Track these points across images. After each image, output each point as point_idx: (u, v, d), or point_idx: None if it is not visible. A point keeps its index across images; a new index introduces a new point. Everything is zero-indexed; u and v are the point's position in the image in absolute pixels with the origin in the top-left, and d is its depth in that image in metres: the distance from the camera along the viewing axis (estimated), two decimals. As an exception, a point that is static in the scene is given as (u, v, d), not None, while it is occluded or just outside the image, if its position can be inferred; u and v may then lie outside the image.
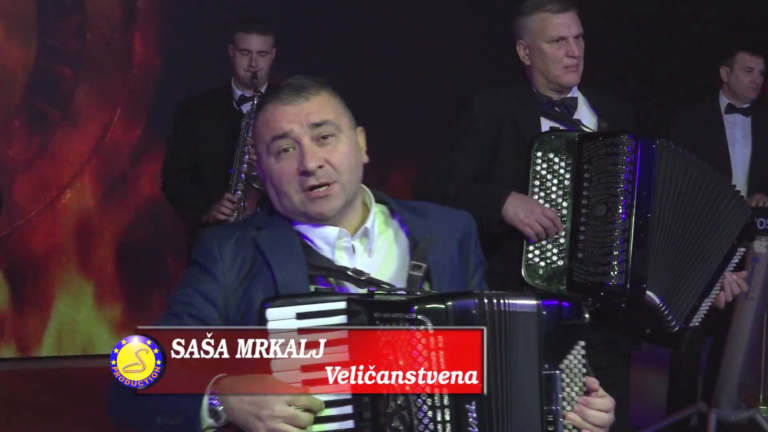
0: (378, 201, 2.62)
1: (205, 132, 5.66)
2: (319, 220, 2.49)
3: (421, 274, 2.49)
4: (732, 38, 7.52)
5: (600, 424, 2.38)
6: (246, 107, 5.63)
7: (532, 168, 3.81)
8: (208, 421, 2.27)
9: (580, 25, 4.00)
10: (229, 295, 2.46)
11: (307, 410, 2.25)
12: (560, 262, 3.77)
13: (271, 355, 2.26)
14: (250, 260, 2.47)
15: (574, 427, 2.37)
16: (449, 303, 2.25)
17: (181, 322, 2.44)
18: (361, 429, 2.26)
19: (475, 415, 2.23)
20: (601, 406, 2.38)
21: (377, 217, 2.58)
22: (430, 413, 2.21)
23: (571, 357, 2.36)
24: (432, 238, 2.53)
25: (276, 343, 2.26)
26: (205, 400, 2.27)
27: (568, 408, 2.35)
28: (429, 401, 2.21)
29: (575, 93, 4.02)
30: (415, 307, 2.22)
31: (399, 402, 2.22)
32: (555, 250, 3.78)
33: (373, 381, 2.25)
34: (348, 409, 2.28)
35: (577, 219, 3.75)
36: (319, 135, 2.45)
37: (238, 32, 5.73)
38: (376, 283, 2.44)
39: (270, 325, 2.27)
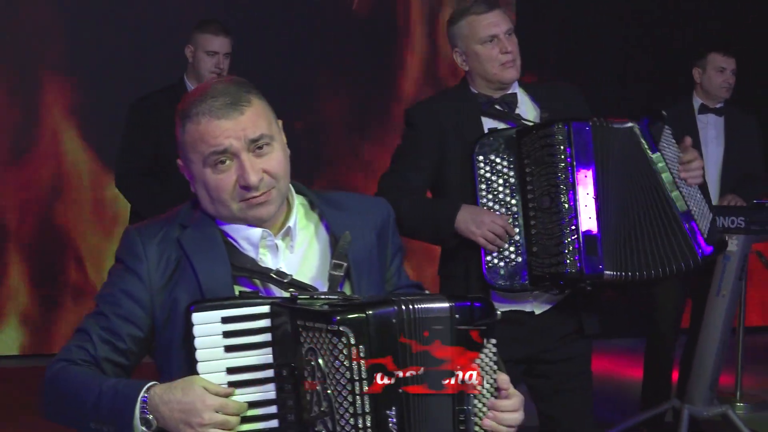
0: (298, 193, 2.65)
1: (167, 130, 5.65)
2: (255, 224, 2.52)
3: (342, 273, 2.53)
4: (704, 38, 7.60)
5: (512, 424, 2.42)
6: None
7: (477, 172, 3.87)
8: (140, 429, 2.32)
9: (509, 21, 4.07)
10: (156, 294, 2.48)
11: (236, 415, 2.31)
12: (519, 259, 3.84)
13: (198, 358, 2.31)
14: (174, 260, 2.49)
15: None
16: (369, 312, 2.28)
17: (108, 322, 2.48)
18: (287, 429, 2.31)
19: (395, 420, 2.28)
20: (510, 408, 2.42)
21: (298, 210, 2.61)
22: (351, 420, 2.25)
23: (482, 356, 2.38)
24: (351, 234, 2.57)
25: (202, 346, 2.32)
26: (137, 410, 2.32)
27: (480, 405, 2.39)
28: (351, 409, 2.25)
29: (515, 89, 4.07)
30: (337, 318, 2.25)
31: (322, 408, 2.27)
32: (512, 248, 3.85)
33: (297, 385, 2.30)
34: (273, 409, 2.33)
35: (527, 214, 3.83)
36: (256, 147, 2.48)
37: (204, 34, 5.77)
38: (298, 285, 2.48)
39: (196, 330, 2.31)
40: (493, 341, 2.40)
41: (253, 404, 2.32)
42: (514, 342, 3.92)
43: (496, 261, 3.86)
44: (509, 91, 4.06)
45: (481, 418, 2.39)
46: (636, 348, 6.62)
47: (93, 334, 2.49)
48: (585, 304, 4.00)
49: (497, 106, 4.01)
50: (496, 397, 2.41)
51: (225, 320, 2.33)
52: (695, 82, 6.27)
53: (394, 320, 2.31)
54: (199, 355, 2.32)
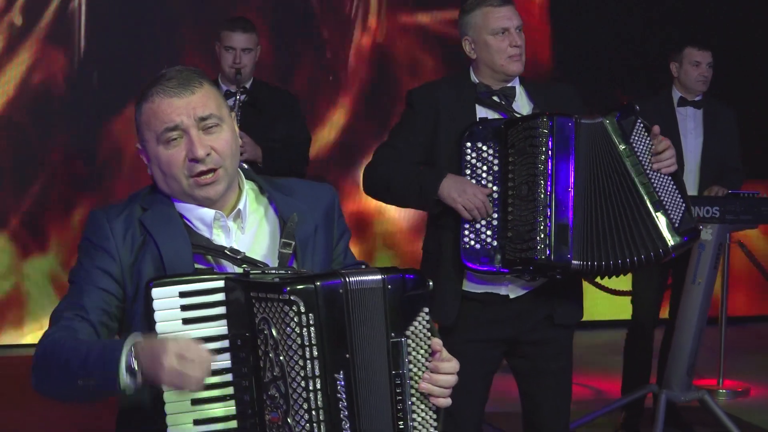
0: (248, 178, 2.78)
1: None
2: (204, 203, 2.65)
3: (290, 252, 2.65)
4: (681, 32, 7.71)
5: (447, 386, 2.55)
6: (229, 102, 5.77)
7: (464, 158, 4.00)
8: (125, 379, 2.38)
9: (520, 17, 4.19)
10: (125, 269, 2.60)
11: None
12: (494, 243, 3.96)
13: (158, 330, 2.42)
14: (139, 237, 2.61)
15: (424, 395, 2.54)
16: (318, 283, 2.41)
17: (89, 294, 2.58)
18: (242, 396, 2.43)
19: (343, 382, 2.41)
20: (447, 370, 2.55)
21: (248, 194, 2.74)
22: (303, 383, 2.37)
23: (416, 323, 2.51)
24: (298, 215, 2.70)
25: (161, 319, 2.44)
26: (123, 359, 2.38)
27: (415, 369, 2.52)
28: (302, 372, 2.37)
29: (515, 83, 4.20)
30: (288, 288, 2.38)
31: (275, 373, 2.39)
32: (489, 232, 3.97)
33: (251, 354, 2.42)
34: (228, 377, 2.44)
35: (505, 201, 3.95)
36: (205, 126, 2.61)
37: (224, 30, 5.90)
38: (251, 262, 2.61)
39: (155, 304, 2.43)
40: (426, 310, 2.53)
41: (210, 372, 2.41)
42: (492, 324, 4.10)
43: (472, 242, 3.98)
44: (509, 84, 4.19)
45: (417, 382, 2.53)
46: (618, 335, 6.73)
47: (86, 303, 2.59)
48: (559, 293, 4.12)
49: (495, 98, 4.14)
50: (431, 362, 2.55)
51: (182, 294, 2.45)
52: (673, 77, 6.37)
53: (340, 290, 2.44)
54: (159, 327, 2.43)
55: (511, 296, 4.11)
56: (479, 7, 4.18)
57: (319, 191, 2.84)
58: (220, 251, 2.62)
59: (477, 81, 4.19)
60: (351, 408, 2.42)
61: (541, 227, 3.86)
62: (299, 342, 2.37)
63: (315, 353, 2.39)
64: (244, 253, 2.63)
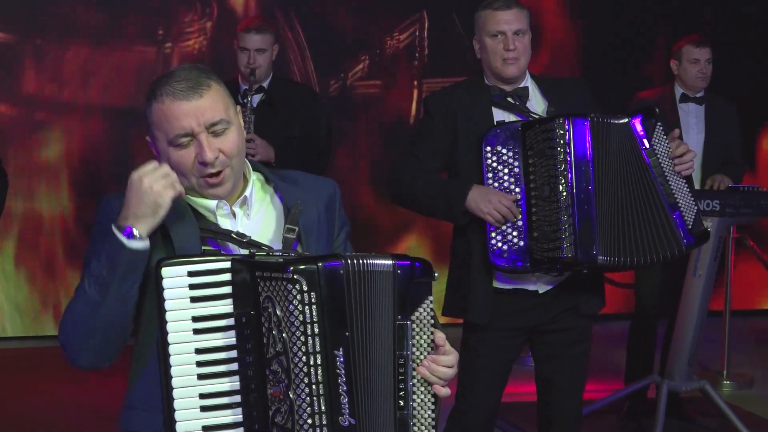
0: (254, 170, 2.88)
1: None
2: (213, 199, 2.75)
3: (294, 236, 2.75)
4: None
5: (444, 378, 2.64)
6: (254, 100, 5.92)
7: (484, 162, 4.10)
8: (124, 240, 2.56)
9: (525, 24, 4.26)
10: None
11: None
12: (521, 243, 4.07)
13: (166, 308, 2.51)
14: None
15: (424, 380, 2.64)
16: (320, 264, 2.50)
17: None
18: (246, 371, 2.52)
19: (342, 359, 2.50)
20: (446, 363, 2.64)
21: (255, 184, 2.84)
22: (304, 358, 2.46)
23: (421, 310, 2.61)
24: (302, 203, 2.80)
25: (170, 297, 2.52)
26: (114, 231, 2.57)
27: (417, 353, 2.61)
28: (303, 348, 2.46)
29: (527, 83, 4.29)
30: (291, 268, 2.48)
31: (278, 348, 2.48)
32: (515, 233, 4.07)
33: (255, 330, 2.51)
34: (233, 354, 2.53)
35: (529, 202, 4.05)
36: (214, 131, 2.70)
37: (240, 31, 6.01)
38: (256, 245, 2.70)
39: (164, 282, 2.51)
40: (431, 298, 2.63)
41: (216, 349, 2.52)
42: (518, 313, 4.24)
43: (500, 244, 4.08)
44: (521, 85, 4.28)
45: (417, 365, 2.62)
46: (622, 327, 6.83)
47: None
48: (584, 285, 4.24)
49: (509, 99, 4.23)
50: (433, 353, 2.64)
51: (191, 274, 2.53)
52: (674, 74, 6.46)
53: (341, 271, 2.53)
54: (168, 305, 2.51)
55: (540, 291, 4.24)
56: (484, 9, 4.28)
57: (321, 183, 2.94)
58: (227, 234, 2.72)
59: (490, 84, 4.27)
60: (350, 383, 2.50)
61: (566, 226, 3.97)
62: (301, 319, 2.47)
63: (316, 330, 2.48)
64: (250, 236, 2.73)
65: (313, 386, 2.47)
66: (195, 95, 2.68)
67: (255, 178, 2.86)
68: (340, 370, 2.51)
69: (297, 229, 2.77)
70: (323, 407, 2.47)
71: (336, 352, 2.51)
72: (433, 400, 2.66)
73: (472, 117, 4.21)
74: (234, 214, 2.78)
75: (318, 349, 2.48)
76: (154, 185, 2.57)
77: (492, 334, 4.23)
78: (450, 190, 4.17)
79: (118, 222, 2.57)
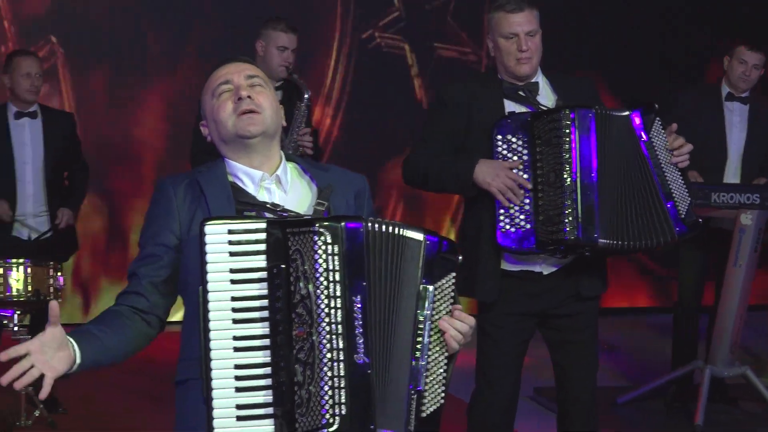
0: (289, 160, 3.16)
1: None
2: (246, 139, 3.02)
3: (323, 209, 3.03)
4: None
5: (460, 330, 2.91)
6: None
7: (495, 149, 4.30)
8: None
9: (536, 24, 4.43)
10: (183, 221, 3.00)
11: None
12: (528, 226, 4.26)
13: (208, 260, 2.76)
14: (196, 197, 3.01)
15: (440, 337, 2.91)
16: (343, 223, 2.79)
17: (149, 258, 3.02)
18: (275, 316, 2.76)
19: (360, 305, 2.77)
20: (464, 319, 2.92)
21: (291, 170, 3.13)
22: (326, 301, 2.73)
23: (444, 281, 2.90)
24: (333, 186, 3.08)
25: (212, 251, 2.78)
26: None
27: (436, 316, 2.89)
28: (325, 292, 2.74)
29: (538, 78, 4.48)
30: (317, 224, 2.76)
31: (303, 293, 2.74)
32: (522, 216, 4.26)
33: (285, 280, 2.76)
34: (265, 302, 2.77)
35: (536, 187, 4.24)
36: (251, 83, 3.06)
37: (275, 31, 6.12)
38: (288, 212, 2.98)
39: (207, 239, 2.77)
40: (453, 274, 2.92)
41: (250, 297, 2.77)
42: (527, 297, 4.41)
43: (508, 226, 4.28)
44: (532, 80, 4.46)
45: (435, 324, 2.91)
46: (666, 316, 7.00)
47: (139, 273, 3.03)
48: (586, 269, 4.42)
49: (520, 92, 4.42)
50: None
51: (230, 232, 2.78)
52: (724, 70, 6.61)
53: (361, 230, 2.81)
54: (209, 258, 2.77)
55: (545, 273, 4.41)
56: (498, 11, 4.44)
57: (351, 176, 3.21)
58: (262, 205, 3.00)
59: (503, 77, 4.47)
60: (365, 326, 2.77)
61: (569, 210, 4.16)
62: (324, 267, 2.74)
63: (337, 278, 2.75)
64: (283, 206, 3.01)
65: (333, 326, 2.73)
66: (239, 61, 3.12)
67: (291, 166, 3.15)
68: (357, 314, 2.77)
69: (327, 204, 3.04)
70: (341, 344, 2.74)
71: (354, 298, 2.77)
72: (446, 360, 2.93)
73: (484, 108, 4.39)
74: (270, 190, 3.06)
75: (338, 294, 2.75)
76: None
77: (503, 318, 4.43)
78: (459, 165, 4.37)
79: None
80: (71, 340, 2.82)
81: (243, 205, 3.00)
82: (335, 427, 2.71)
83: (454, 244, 2.94)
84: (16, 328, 6.10)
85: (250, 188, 3.05)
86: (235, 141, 3.05)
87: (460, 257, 2.95)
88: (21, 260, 6.12)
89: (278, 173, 3.08)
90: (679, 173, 4.29)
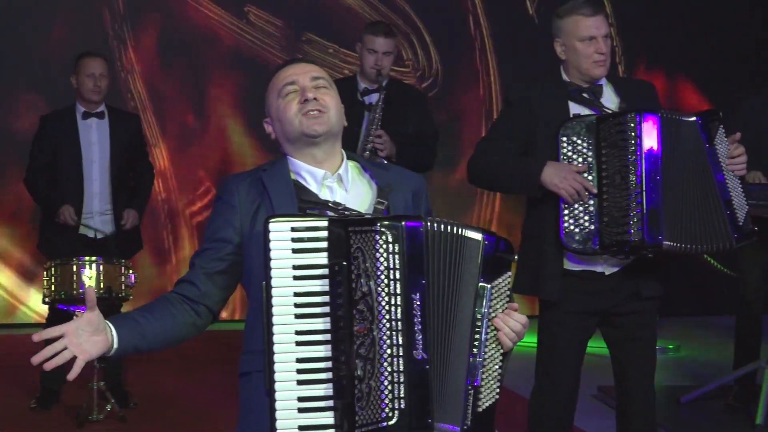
0: (349, 158, 3.22)
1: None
2: (311, 138, 3.09)
3: (383, 208, 3.09)
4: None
5: (514, 330, 2.97)
6: (370, 99, 6.21)
7: (560, 150, 4.36)
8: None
9: (608, 27, 4.51)
10: (245, 218, 3.08)
11: None
12: (592, 227, 4.31)
13: (272, 257, 2.83)
14: (259, 194, 3.09)
15: (496, 334, 2.97)
16: (403, 222, 2.86)
17: (209, 250, 3.11)
18: (336, 312, 2.81)
19: (419, 302, 2.83)
20: (517, 319, 2.97)
21: (352, 169, 3.19)
22: (386, 298, 2.80)
23: (500, 280, 2.97)
24: (393, 185, 3.14)
25: (276, 248, 2.84)
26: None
27: (493, 314, 2.95)
28: (386, 290, 2.80)
29: (602, 81, 4.52)
30: (379, 224, 2.83)
31: (364, 290, 2.80)
32: (586, 217, 4.32)
33: (346, 277, 2.81)
34: (326, 298, 2.83)
35: (600, 189, 4.29)
36: (316, 84, 3.14)
37: (368, 34, 6.25)
38: (350, 211, 3.05)
39: (271, 235, 2.83)
40: (509, 273, 2.99)
41: (312, 293, 2.83)
42: (588, 297, 4.46)
43: (572, 227, 4.33)
44: (596, 83, 4.51)
45: (493, 318, 2.97)
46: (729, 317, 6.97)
47: (197, 263, 3.13)
48: (646, 270, 4.46)
49: (585, 94, 4.47)
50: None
51: (293, 229, 2.85)
52: None
53: (421, 230, 2.87)
54: (273, 254, 2.83)
55: (606, 273, 4.45)
56: (572, 14, 4.49)
57: (409, 175, 3.27)
58: (324, 204, 3.07)
59: (567, 80, 4.51)
60: (424, 323, 2.83)
61: (635, 212, 4.21)
62: (385, 265, 2.81)
63: (397, 276, 2.81)
64: (345, 205, 3.07)
65: (393, 322, 2.80)
66: (304, 62, 3.22)
67: (352, 165, 3.21)
68: (416, 311, 2.83)
69: (386, 203, 3.11)
70: (401, 341, 2.80)
71: (413, 296, 2.83)
72: (501, 357, 2.99)
73: (549, 109, 4.45)
74: (332, 188, 3.13)
75: (398, 291, 2.82)
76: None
77: (565, 316, 4.48)
78: (527, 165, 4.42)
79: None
80: (110, 325, 2.91)
81: (305, 203, 3.07)
82: (394, 420, 2.77)
83: (511, 244, 3.01)
84: (88, 325, 6.19)
85: (313, 186, 3.12)
86: (300, 140, 3.12)
87: (515, 256, 3.01)
88: (93, 258, 6.27)
89: (340, 172, 3.14)
90: (739, 181, 4.34)
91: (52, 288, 6.34)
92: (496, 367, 2.97)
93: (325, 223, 2.85)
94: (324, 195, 3.11)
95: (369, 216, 3.01)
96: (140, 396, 6.83)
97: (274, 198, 3.07)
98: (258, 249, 2.92)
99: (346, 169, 3.17)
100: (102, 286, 6.27)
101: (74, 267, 6.28)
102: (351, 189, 3.15)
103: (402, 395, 2.78)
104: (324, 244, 2.83)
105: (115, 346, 2.91)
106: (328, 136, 3.12)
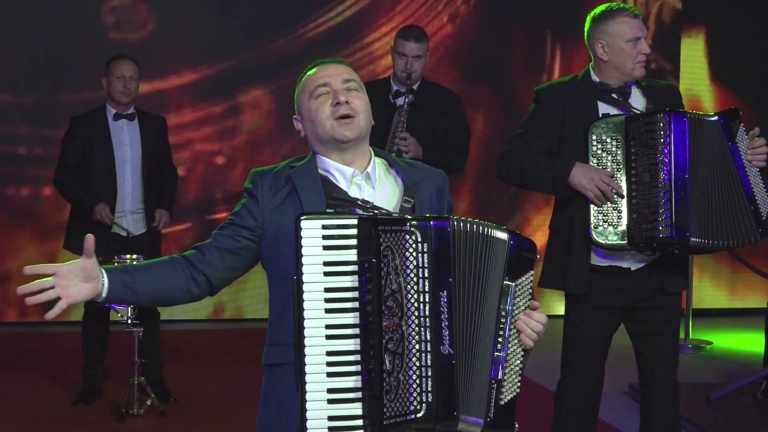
0: (377, 155, 3.29)
1: None
2: (342, 143, 3.16)
3: (410, 206, 3.16)
4: None
5: (535, 330, 3.02)
6: (399, 101, 6.23)
7: (590, 149, 4.44)
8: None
9: (646, 30, 4.61)
10: (266, 210, 3.16)
11: None
12: (621, 223, 4.39)
13: (303, 253, 2.88)
14: (284, 188, 3.16)
15: (518, 330, 3.03)
16: (431, 222, 2.92)
17: (229, 223, 3.20)
18: (365, 307, 2.87)
19: (446, 299, 2.90)
20: (538, 319, 3.03)
21: (379, 166, 3.26)
22: (415, 296, 2.86)
23: (523, 278, 3.03)
24: (418, 183, 3.20)
25: (307, 245, 2.90)
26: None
27: (516, 311, 3.01)
28: (415, 287, 2.86)
29: (631, 83, 4.59)
30: (409, 223, 2.89)
31: (393, 288, 2.86)
32: (615, 213, 4.39)
33: (375, 274, 2.86)
34: (356, 294, 2.88)
35: (629, 186, 4.38)
36: (348, 87, 3.20)
37: (399, 38, 6.30)
38: (378, 209, 3.12)
39: (303, 232, 2.89)
40: (532, 272, 3.05)
41: (342, 289, 2.89)
42: (614, 292, 4.55)
43: (604, 224, 4.40)
44: (630, 84, 4.58)
45: (515, 319, 3.02)
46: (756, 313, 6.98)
47: (215, 235, 3.22)
48: (670, 265, 4.53)
49: (613, 95, 4.55)
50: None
51: (324, 227, 2.91)
52: None
53: (448, 229, 2.93)
54: (304, 251, 2.89)
55: (632, 269, 4.53)
56: (617, 16, 4.57)
57: (434, 172, 3.33)
58: (353, 201, 3.14)
59: (597, 80, 4.58)
60: (451, 319, 2.89)
61: (663, 209, 4.29)
62: (414, 264, 2.87)
63: (426, 274, 2.88)
64: (373, 203, 3.14)
65: (421, 318, 2.86)
66: (336, 63, 3.26)
67: (379, 162, 3.28)
68: (443, 308, 2.89)
69: (413, 201, 3.17)
70: (429, 336, 2.86)
71: (441, 293, 2.89)
72: (522, 353, 3.05)
73: (579, 108, 4.52)
74: (360, 186, 3.19)
75: (427, 289, 2.88)
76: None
77: (591, 311, 4.56)
78: (555, 166, 4.48)
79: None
80: (103, 274, 3.01)
81: (335, 201, 3.14)
82: (422, 413, 2.83)
83: (534, 243, 3.07)
84: (129, 321, 6.31)
85: (342, 184, 3.18)
86: (330, 142, 3.19)
87: (537, 255, 3.08)
88: (135, 256, 6.33)
89: (368, 170, 3.21)
90: (761, 177, 4.41)
91: (94, 285, 6.39)
92: (518, 362, 3.04)
93: (355, 221, 2.91)
94: (353, 192, 3.18)
95: (397, 215, 3.07)
96: (180, 392, 6.92)
97: (302, 194, 3.14)
98: (288, 245, 2.99)
99: (374, 168, 3.23)
100: (142, 282, 6.34)
101: (115, 264, 6.34)
102: (378, 187, 3.22)
103: (429, 389, 2.84)
104: (354, 242, 2.89)
105: (104, 295, 3.01)
106: (357, 140, 3.19)
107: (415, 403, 2.82)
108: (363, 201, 3.14)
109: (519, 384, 3.03)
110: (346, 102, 3.15)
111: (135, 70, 6.84)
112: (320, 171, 3.20)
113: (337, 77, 3.20)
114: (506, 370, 2.99)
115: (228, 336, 8.95)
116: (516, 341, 3.02)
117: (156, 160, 6.93)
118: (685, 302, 8.74)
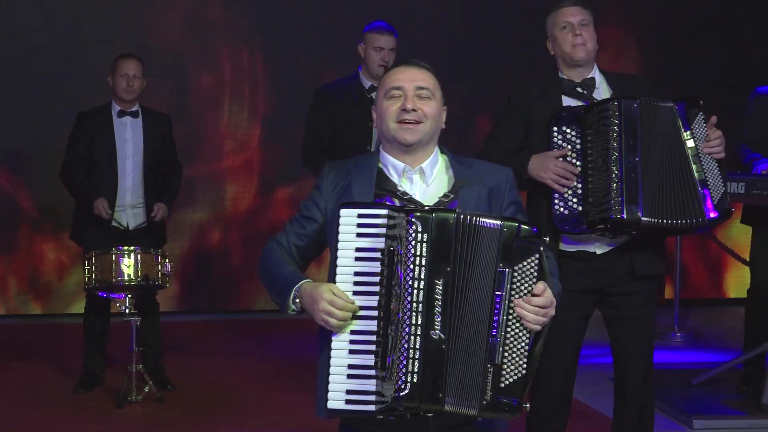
0: (442, 153, 3.46)
1: (342, 116, 6.40)
2: (402, 145, 3.35)
3: (447, 201, 3.31)
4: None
5: (533, 313, 3.11)
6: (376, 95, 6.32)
7: (552, 140, 4.59)
8: (291, 305, 3.24)
9: (589, 17, 4.74)
10: (328, 200, 3.36)
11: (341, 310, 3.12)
12: (579, 208, 4.52)
13: (340, 239, 3.12)
14: (344, 180, 3.37)
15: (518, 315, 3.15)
16: (434, 214, 3.10)
17: (298, 220, 3.42)
18: (381, 290, 3.06)
19: (441, 288, 3.07)
20: (537, 302, 3.12)
21: (442, 162, 3.44)
22: (411, 282, 3.05)
23: (525, 263, 3.12)
24: (467, 180, 3.36)
25: (344, 231, 3.13)
26: (291, 294, 3.24)
27: (517, 296, 3.12)
28: (411, 274, 3.06)
29: (595, 73, 4.77)
30: (413, 214, 3.09)
31: (398, 274, 3.06)
32: (575, 199, 4.53)
33: (391, 261, 3.07)
34: (376, 279, 3.09)
35: (586, 173, 4.51)
36: (420, 94, 3.36)
37: (372, 33, 6.45)
38: (412, 201, 3.30)
39: (341, 220, 3.13)
40: (537, 255, 3.14)
41: (368, 273, 3.11)
42: (583, 275, 4.65)
43: (562, 209, 4.54)
44: (589, 75, 4.75)
45: (515, 299, 3.14)
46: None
47: (288, 230, 3.43)
48: (639, 248, 4.65)
49: (578, 89, 4.71)
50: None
51: (360, 216, 3.14)
52: None
53: (451, 221, 3.10)
54: (341, 236, 3.13)
55: (598, 252, 4.66)
56: (554, 11, 4.78)
57: (492, 171, 3.47)
58: (393, 193, 3.32)
59: (564, 77, 4.75)
60: (444, 307, 3.07)
61: (615, 192, 4.42)
62: (413, 252, 3.06)
63: (423, 262, 3.06)
64: (411, 195, 3.32)
65: (413, 304, 3.06)
66: (414, 66, 3.41)
67: (442, 159, 3.45)
68: (438, 296, 3.07)
69: (452, 196, 3.33)
70: (419, 321, 3.06)
71: (437, 281, 3.08)
72: (528, 335, 3.15)
73: (544, 103, 4.69)
74: (412, 180, 3.37)
75: (422, 276, 3.07)
76: (315, 314, 3.14)
77: (564, 295, 4.57)
78: (516, 161, 4.60)
79: (295, 297, 3.23)
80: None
81: (381, 191, 3.34)
82: (406, 392, 3.04)
83: (534, 229, 3.15)
84: (127, 311, 6.41)
85: (394, 177, 3.38)
86: (392, 141, 3.38)
87: (546, 237, 3.21)
88: (132, 248, 6.46)
89: (422, 166, 3.38)
90: (716, 164, 4.53)
91: (93, 276, 6.54)
92: (522, 345, 3.14)
93: (385, 211, 3.13)
94: (404, 186, 3.36)
95: (427, 207, 3.24)
96: (179, 380, 7.03)
97: (354, 185, 3.35)
98: (333, 231, 3.20)
99: (431, 164, 3.40)
100: (139, 274, 6.47)
101: (113, 256, 6.49)
102: (432, 182, 3.39)
103: (416, 370, 3.04)
104: (382, 230, 3.12)
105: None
106: (419, 144, 3.36)
107: (400, 383, 3.04)
108: (402, 193, 3.32)
109: (526, 366, 3.13)
110: (413, 110, 3.32)
111: (139, 69, 6.94)
112: (380, 165, 3.39)
113: (412, 83, 3.36)
114: (506, 354, 3.10)
115: (229, 327, 8.99)
116: (517, 325, 3.12)
117: (158, 156, 7.04)
118: (673, 291, 8.94)
